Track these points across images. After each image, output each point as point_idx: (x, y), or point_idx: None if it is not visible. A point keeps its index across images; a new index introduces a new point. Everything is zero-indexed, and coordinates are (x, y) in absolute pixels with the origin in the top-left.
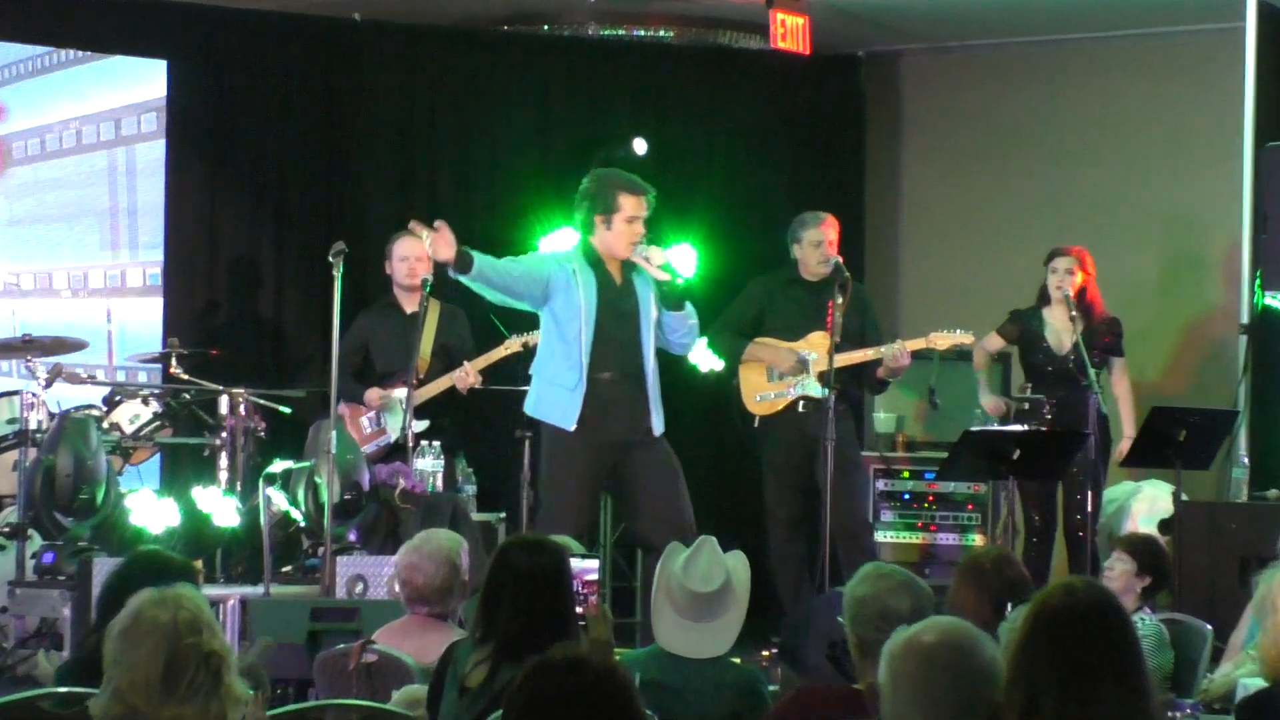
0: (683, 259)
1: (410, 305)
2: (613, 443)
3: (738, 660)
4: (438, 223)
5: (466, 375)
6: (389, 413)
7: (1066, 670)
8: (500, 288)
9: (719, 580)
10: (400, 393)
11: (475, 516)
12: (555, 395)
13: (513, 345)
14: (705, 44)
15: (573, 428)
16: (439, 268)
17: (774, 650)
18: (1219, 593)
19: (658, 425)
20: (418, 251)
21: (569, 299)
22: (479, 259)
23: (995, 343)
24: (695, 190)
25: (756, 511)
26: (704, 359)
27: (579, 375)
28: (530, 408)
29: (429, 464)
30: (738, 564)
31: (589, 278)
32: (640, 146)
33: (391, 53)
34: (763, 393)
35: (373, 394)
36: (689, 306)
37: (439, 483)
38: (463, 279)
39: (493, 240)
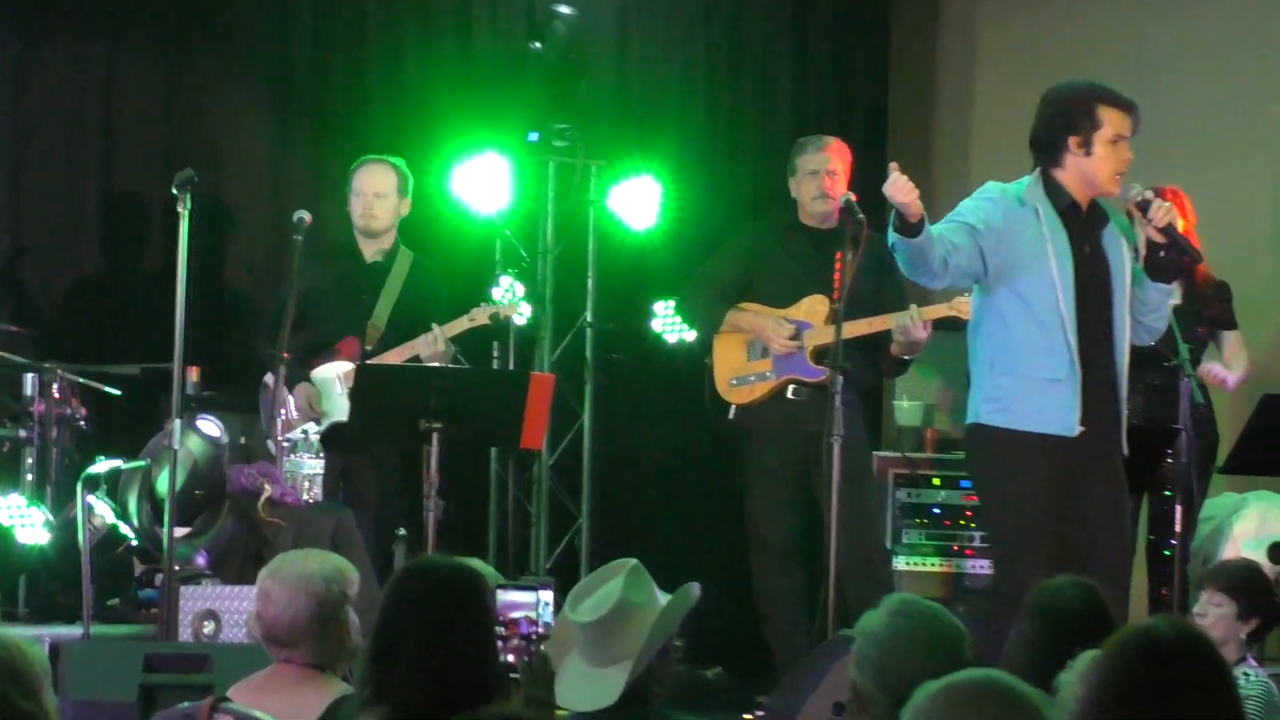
0: (646, 197)
1: (373, 253)
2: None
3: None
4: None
5: (436, 341)
6: (322, 398)
7: None
8: (936, 259)
9: (606, 608)
10: (337, 368)
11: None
12: (1038, 393)
13: (479, 317)
14: None
15: (1075, 432)
16: None
17: (760, 713)
18: None
19: (1124, 441)
20: (379, 185)
21: (1037, 258)
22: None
23: None
24: (664, 110)
25: (738, 533)
26: (671, 327)
27: (1070, 361)
28: (981, 414)
29: (305, 465)
30: (641, 591)
31: (1059, 230)
32: (565, 7)
33: None
34: (740, 374)
35: (300, 394)
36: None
37: (318, 490)
38: (909, 242)
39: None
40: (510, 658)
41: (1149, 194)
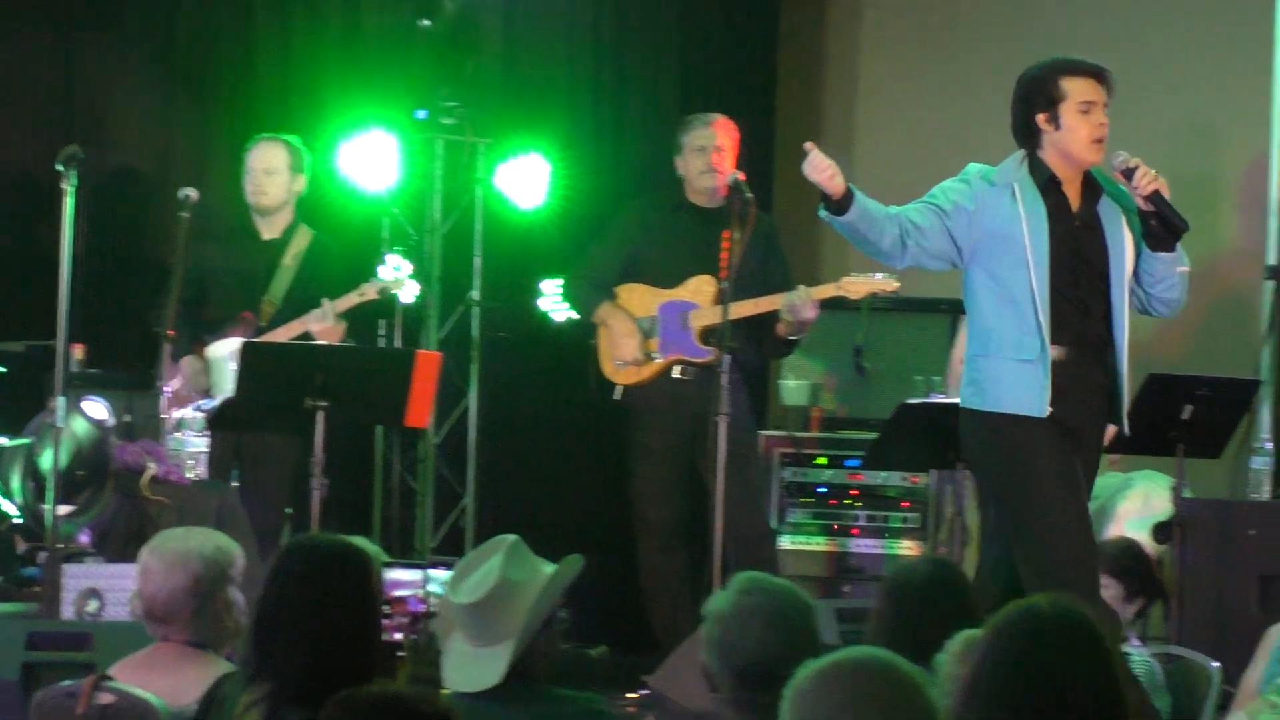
0: (534, 175)
1: (268, 230)
2: (1076, 436)
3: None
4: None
5: (325, 316)
6: (212, 373)
7: (1027, 716)
8: (877, 236)
9: (485, 588)
10: (230, 345)
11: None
12: (1010, 374)
13: (368, 292)
14: None
15: (1046, 412)
16: None
17: (644, 693)
18: (1231, 620)
19: (1125, 423)
20: (270, 162)
21: (1007, 239)
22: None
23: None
24: (553, 85)
25: (624, 512)
26: (557, 308)
27: (1039, 342)
28: (968, 398)
29: (190, 442)
30: (522, 568)
31: (1036, 206)
32: None
33: None
34: (627, 355)
35: (185, 366)
36: (1180, 248)
37: (202, 468)
38: (839, 221)
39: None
40: (398, 636)
41: (1133, 161)
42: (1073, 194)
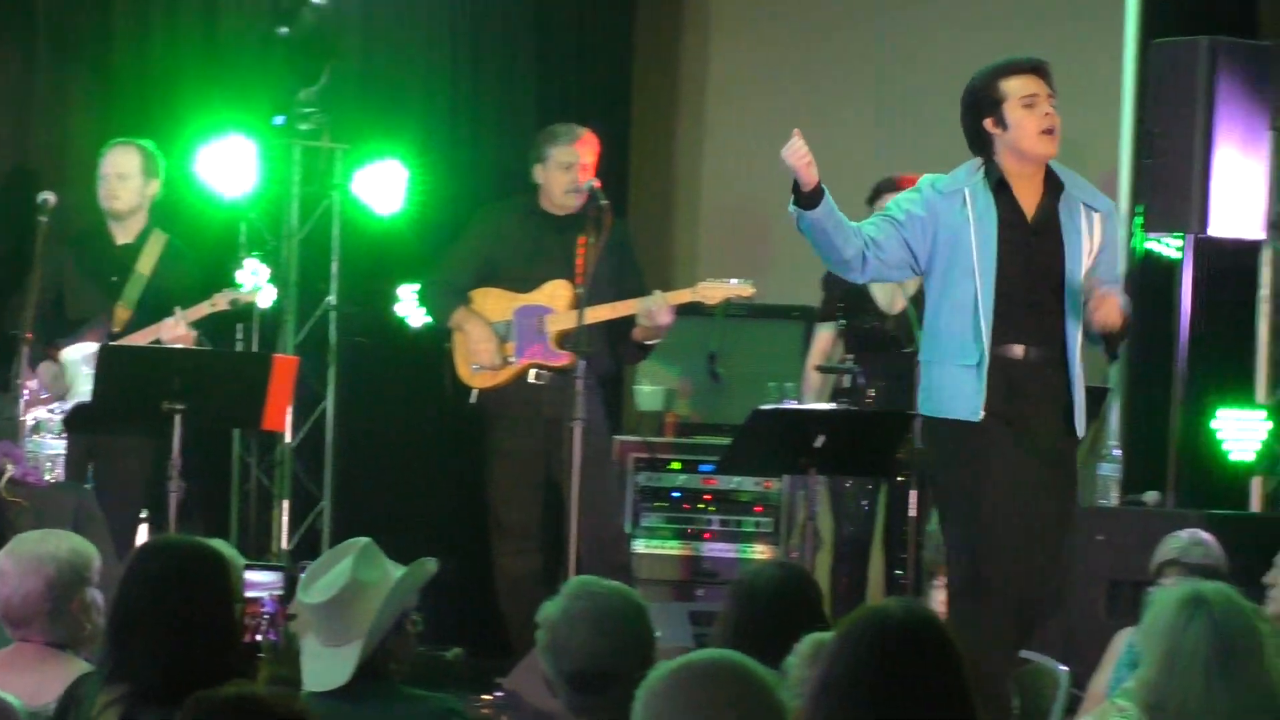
0: (392, 181)
1: (122, 235)
2: (1031, 439)
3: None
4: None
5: (176, 325)
6: (67, 376)
7: (877, 716)
8: (842, 243)
9: (336, 588)
10: (84, 349)
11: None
12: (950, 380)
13: (219, 302)
14: None
15: (979, 417)
16: None
17: (499, 694)
18: (1079, 624)
19: (1080, 424)
20: (122, 167)
21: (957, 246)
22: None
23: (825, 341)
24: (410, 93)
25: (480, 516)
26: (414, 313)
27: (980, 348)
28: (920, 403)
29: (47, 445)
30: (373, 570)
31: (987, 211)
32: None
33: None
34: (484, 359)
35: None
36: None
37: (60, 470)
38: (808, 217)
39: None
40: (258, 638)
41: (1107, 301)
42: (1030, 194)
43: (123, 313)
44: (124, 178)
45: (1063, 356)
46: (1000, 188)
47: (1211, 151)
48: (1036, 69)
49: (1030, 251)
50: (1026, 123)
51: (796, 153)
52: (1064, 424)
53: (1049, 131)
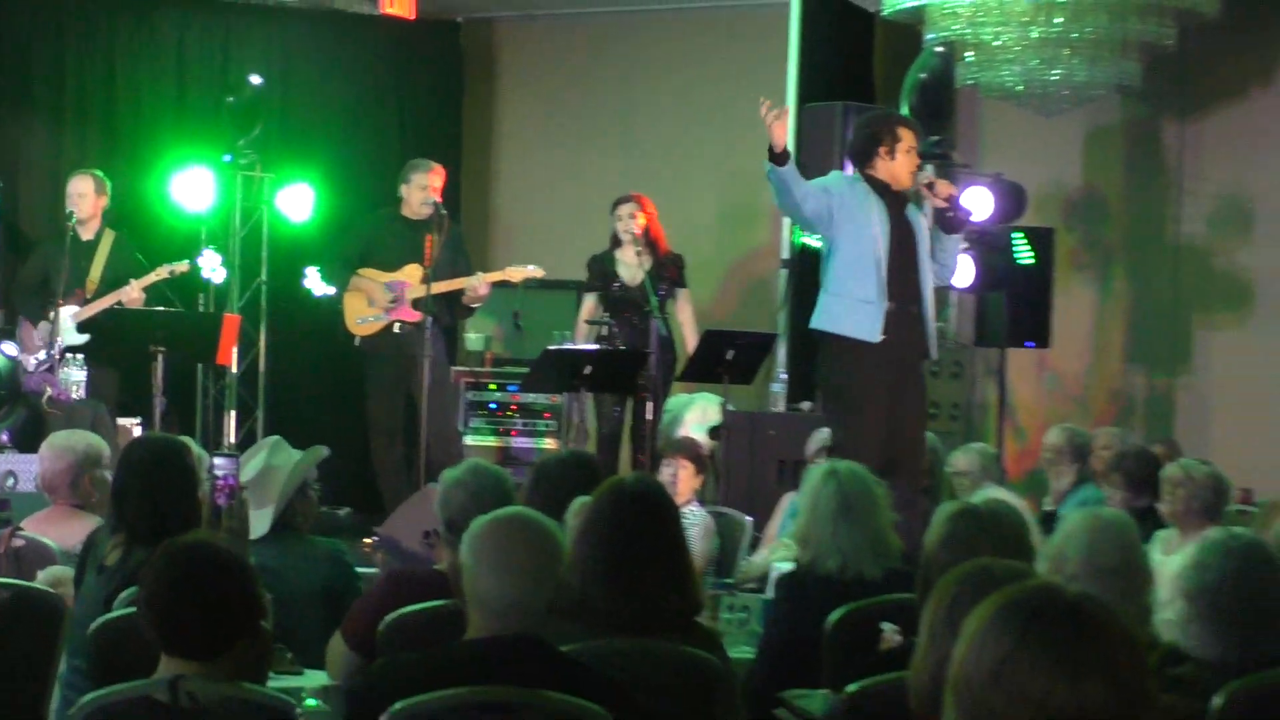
0: (303, 198)
1: (85, 234)
2: (899, 360)
3: (325, 539)
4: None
5: (132, 290)
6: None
7: (615, 553)
8: (799, 196)
9: (257, 469)
10: (68, 311)
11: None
12: (854, 309)
13: (160, 273)
14: (324, 8)
15: (879, 339)
16: None
17: (376, 538)
18: (758, 489)
19: (933, 349)
20: (80, 189)
21: (864, 222)
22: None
23: (590, 304)
24: (315, 137)
25: (363, 420)
26: (316, 285)
27: (879, 291)
28: (823, 322)
29: (73, 375)
30: (281, 456)
31: (879, 204)
32: (256, 79)
33: (43, 15)
34: (363, 315)
35: (43, 329)
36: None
37: (83, 391)
38: (777, 171)
39: (135, 177)
40: (221, 502)
41: (934, 177)
42: (895, 198)
43: (91, 285)
44: (83, 195)
45: (920, 303)
46: (885, 190)
47: None
48: (919, 130)
49: (902, 233)
50: (907, 164)
51: (780, 119)
52: (923, 347)
53: (913, 173)
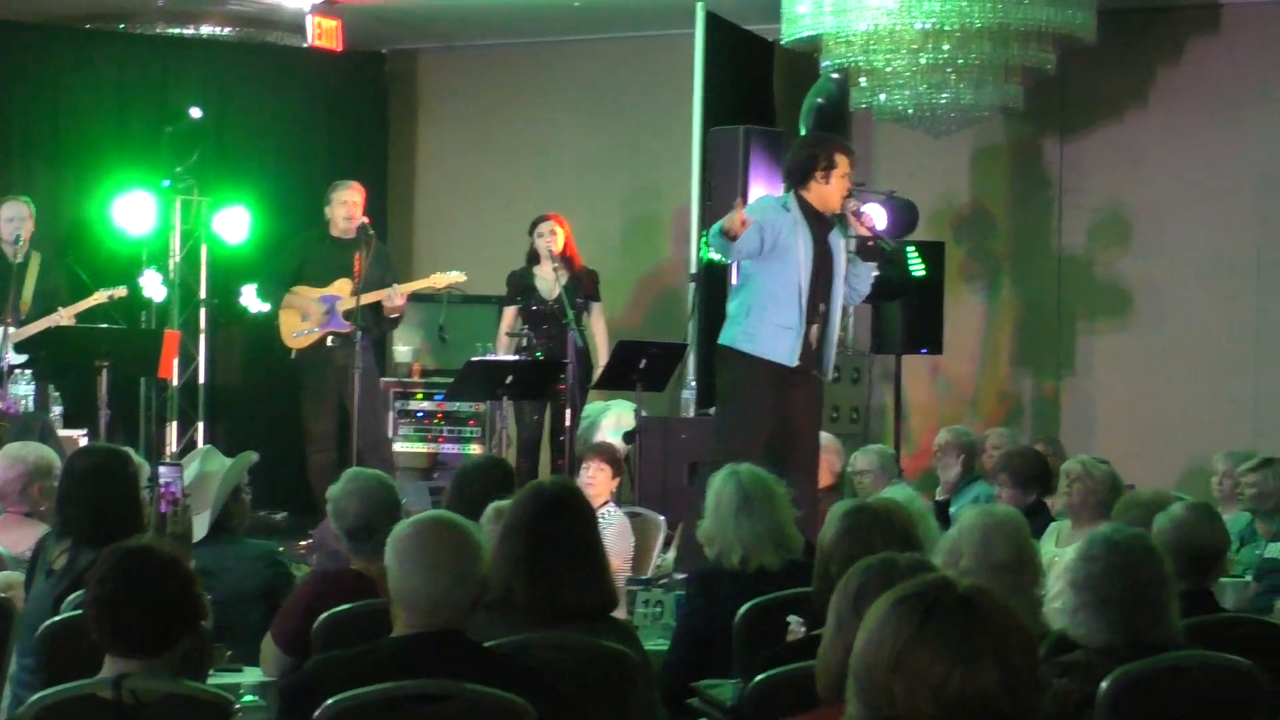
0: (239, 220)
1: (17, 256)
2: (793, 370)
3: (261, 541)
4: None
5: (61, 317)
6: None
7: (535, 551)
8: (739, 248)
9: (193, 476)
10: (5, 330)
11: (61, 433)
12: (775, 335)
13: (99, 297)
14: (256, 41)
15: (795, 363)
16: None
17: (310, 541)
18: (671, 490)
19: (828, 370)
20: (21, 213)
21: (790, 249)
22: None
23: (510, 317)
24: (249, 163)
25: (298, 427)
26: (253, 302)
27: (799, 317)
28: (740, 342)
29: (22, 389)
30: (214, 463)
31: (805, 232)
32: (195, 112)
33: None
34: (298, 330)
35: None
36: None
37: (31, 404)
38: (725, 244)
39: (79, 203)
40: (164, 508)
41: (860, 205)
42: (821, 223)
43: (25, 305)
44: (13, 220)
45: (828, 325)
46: (813, 215)
47: (747, 197)
48: (853, 156)
49: (823, 261)
50: (840, 189)
51: (740, 222)
52: (819, 361)
53: (845, 198)
